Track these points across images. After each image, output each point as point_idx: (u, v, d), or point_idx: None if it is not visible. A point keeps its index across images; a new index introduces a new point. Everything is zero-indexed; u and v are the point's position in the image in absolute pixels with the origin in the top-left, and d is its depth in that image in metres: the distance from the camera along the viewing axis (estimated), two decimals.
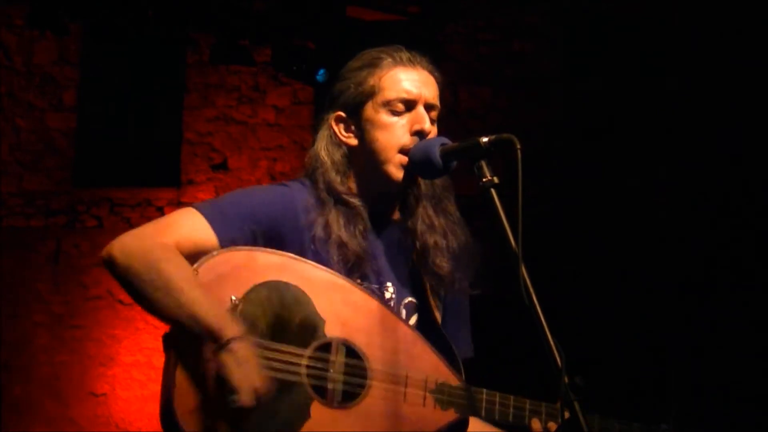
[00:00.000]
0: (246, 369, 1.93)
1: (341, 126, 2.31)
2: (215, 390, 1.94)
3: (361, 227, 2.21)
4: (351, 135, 2.29)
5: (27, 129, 8.30)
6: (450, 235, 2.31)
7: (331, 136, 2.30)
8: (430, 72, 2.31)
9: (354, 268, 2.18)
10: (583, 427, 1.80)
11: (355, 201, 2.24)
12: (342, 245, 2.17)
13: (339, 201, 2.23)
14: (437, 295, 2.32)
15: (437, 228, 2.30)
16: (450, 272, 2.29)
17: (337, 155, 2.28)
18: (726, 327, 6.42)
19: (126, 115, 8.11)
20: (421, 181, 2.31)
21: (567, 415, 1.83)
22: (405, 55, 2.30)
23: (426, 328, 2.26)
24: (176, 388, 1.96)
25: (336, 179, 2.25)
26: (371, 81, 2.27)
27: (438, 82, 2.32)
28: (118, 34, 6.72)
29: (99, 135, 8.24)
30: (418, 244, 2.28)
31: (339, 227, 2.19)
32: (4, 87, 8.31)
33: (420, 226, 2.29)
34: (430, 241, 2.28)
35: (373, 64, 2.29)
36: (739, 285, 6.60)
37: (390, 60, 2.29)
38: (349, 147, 2.29)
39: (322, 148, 2.29)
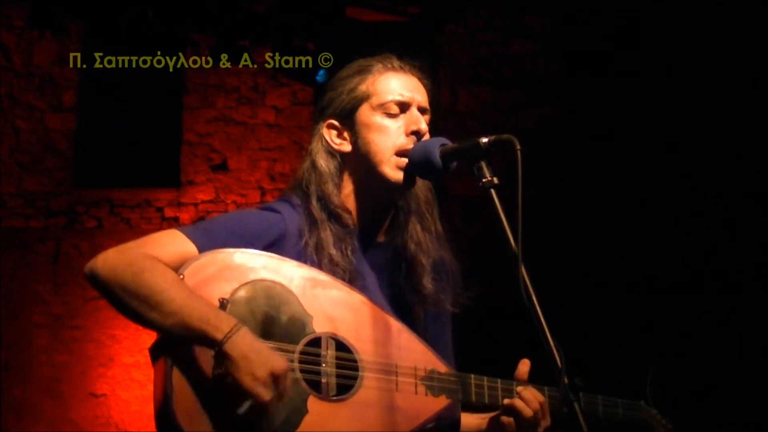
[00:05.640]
0: (254, 360, 1.92)
1: (333, 133, 2.29)
2: (217, 392, 1.94)
3: (350, 247, 2.22)
4: (344, 141, 2.28)
5: (27, 130, 8.30)
6: (434, 253, 2.32)
7: (324, 146, 2.29)
8: (420, 79, 2.33)
9: None
10: (583, 428, 1.81)
11: (348, 217, 2.24)
12: (334, 263, 2.19)
13: (332, 216, 2.23)
14: (420, 316, 2.32)
15: (424, 246, 2.31)
16: (434, 292, 2.30)
17: (332, 165, 2.27)
18: (720, 324, 6.43)
19: (126, 116, 8.10)
20: (408, 196, 2.31)
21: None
22: (395, 62, 2.32)
23: None
24: (175, 394, 1.95)
25: (333, 191, 2.25)
26: (363, 86, 2.27)
27: (427, 90, 2.33)
28: (118, 34, 6.72)
29: (99, 136, 8.24)
30: (404, 265, 2.29)
31: (329, 245, 2.19)
32: (4, 88, 8.31)
33: (410, 244, 2.29)
34: (419, 260, 2.29)
35: (364, 71, 2.30)
36: (736, 283, 6.60)
37: (381, 66, 2.30)
38: (343, 154, 2.28)
39: (319, 159, 2.28)
